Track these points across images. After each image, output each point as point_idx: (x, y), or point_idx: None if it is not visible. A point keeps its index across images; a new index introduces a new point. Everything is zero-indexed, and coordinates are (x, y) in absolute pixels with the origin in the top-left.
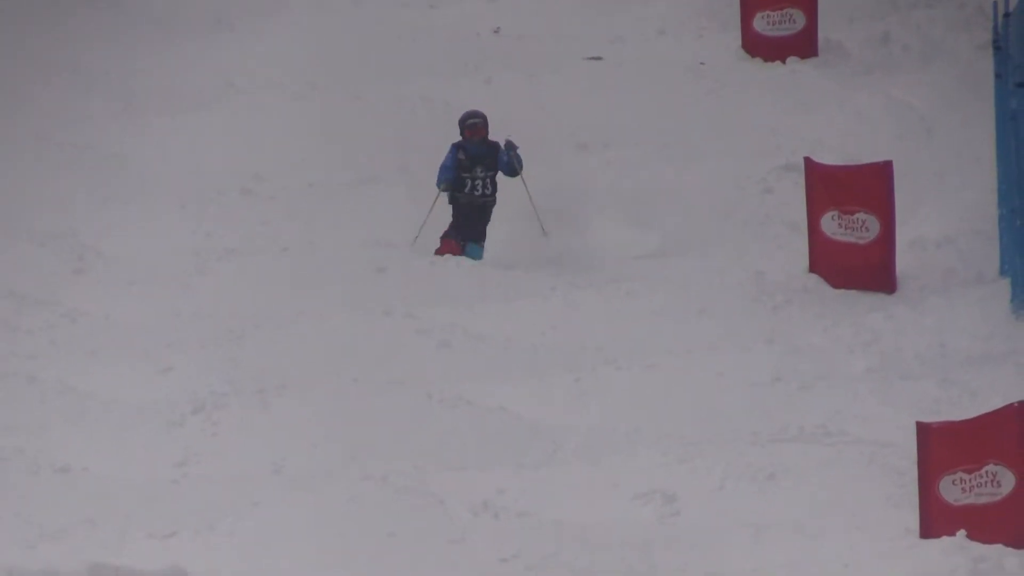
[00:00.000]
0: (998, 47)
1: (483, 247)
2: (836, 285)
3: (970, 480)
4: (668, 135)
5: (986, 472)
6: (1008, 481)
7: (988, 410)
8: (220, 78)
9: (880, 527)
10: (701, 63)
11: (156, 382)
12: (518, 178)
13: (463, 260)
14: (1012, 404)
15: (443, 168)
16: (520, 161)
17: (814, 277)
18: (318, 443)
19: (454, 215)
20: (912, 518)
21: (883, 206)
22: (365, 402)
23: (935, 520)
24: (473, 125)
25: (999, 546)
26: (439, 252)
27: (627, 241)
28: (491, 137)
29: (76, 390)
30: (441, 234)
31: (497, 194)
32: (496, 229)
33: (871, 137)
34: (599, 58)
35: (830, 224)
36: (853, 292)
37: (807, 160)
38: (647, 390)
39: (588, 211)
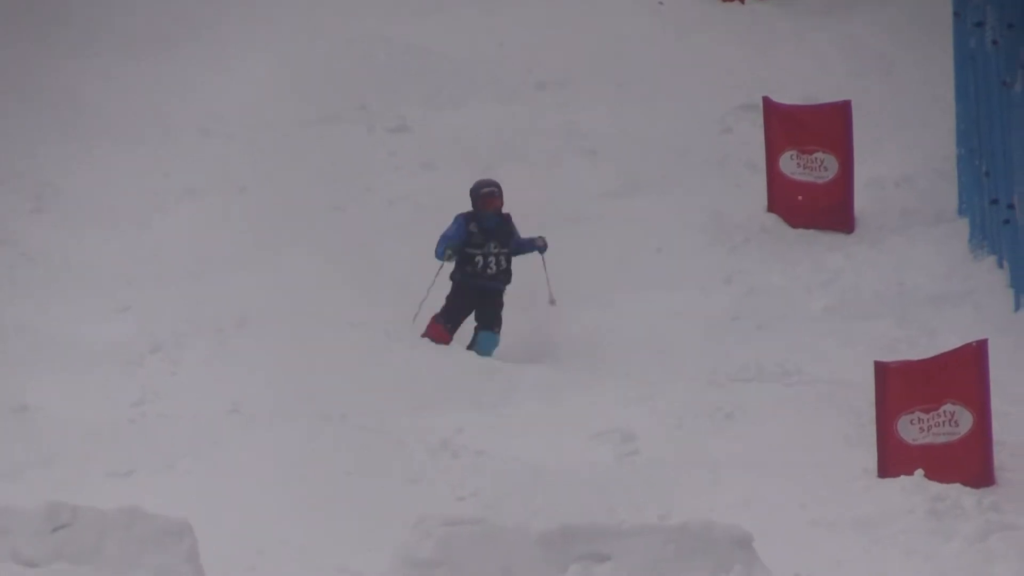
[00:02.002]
0: None
1: (498, 334)
2: (795, 224)
3: (928, 420)
4: (626, 74)
5: (944, 412)
6: (966, 421)
7: (946, 349)
8: (178, 17)
9: (838, 466)
10: (660, 2)
11: (115, 321)
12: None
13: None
14: (970, 343)
15: (444, 237)
16: (543, 248)
17: (773, 217)
18: (276, 382)
19: (450, 297)
20: (870, 457)
21: (842, 145)
22: (324, 342)
23: (893, 459)
24: (489, 194)
25: (957, 485)
26: (425, 335)
27: (585, 180)
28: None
29: (34, 329)
30: (433, 315)
31: (511, 278)
32: None
33: (829, 76)
34: None
35: (789, 163)
36: (812, 231)
37: (765, 100)
38: (605, 329)
39: (545, 150)
